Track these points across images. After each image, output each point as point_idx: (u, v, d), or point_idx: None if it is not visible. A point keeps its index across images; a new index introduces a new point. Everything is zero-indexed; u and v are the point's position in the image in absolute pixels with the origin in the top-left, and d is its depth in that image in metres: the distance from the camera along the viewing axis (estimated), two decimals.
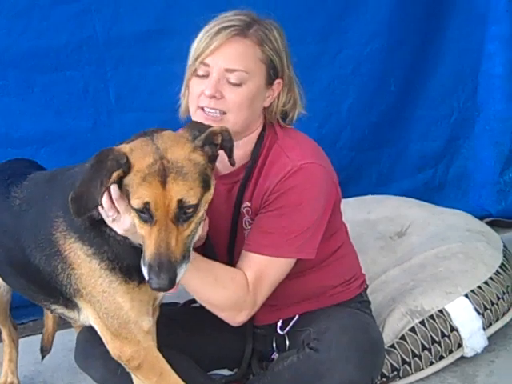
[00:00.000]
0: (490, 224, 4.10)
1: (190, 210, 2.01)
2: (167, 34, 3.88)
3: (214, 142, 2.11)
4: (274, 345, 2.71)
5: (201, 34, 2.42)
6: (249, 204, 2.50)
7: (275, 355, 2.71)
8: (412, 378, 2.94)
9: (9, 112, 3.74)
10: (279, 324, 2.67)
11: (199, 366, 2.67)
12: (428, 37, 4.40)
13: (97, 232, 2.22)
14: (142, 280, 2.18)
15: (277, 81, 2.47)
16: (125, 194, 2.05)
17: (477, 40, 4.44)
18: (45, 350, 3.22)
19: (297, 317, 2.64)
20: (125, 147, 2.05)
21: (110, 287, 2.22)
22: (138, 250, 2.14)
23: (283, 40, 2.48)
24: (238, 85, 2.36)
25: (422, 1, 4.32)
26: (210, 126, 2.14)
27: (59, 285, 2.31)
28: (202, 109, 2.39)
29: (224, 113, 2.38)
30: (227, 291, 2.39)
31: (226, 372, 2.85)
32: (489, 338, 3.07)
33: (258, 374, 2.68)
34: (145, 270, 2.01)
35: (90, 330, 2.59)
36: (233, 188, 2.53)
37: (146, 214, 2.00)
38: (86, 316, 2.35)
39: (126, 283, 2.23)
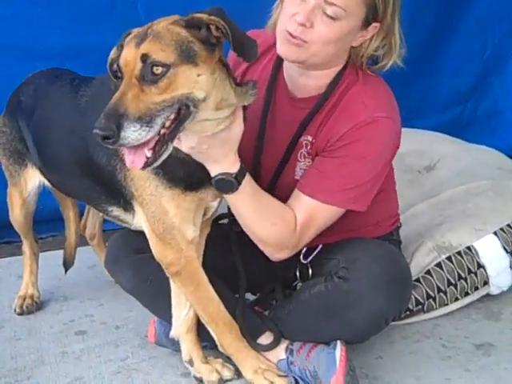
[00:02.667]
0: None
1: (158, 71, 1.92)
2: None
3: (207, 25, 2.00)
4: (298, 274, 2.68)
5: None
6: (310, 138, 2.43)
7: (298, 284, 2.69)
8: (436, 313, 2.93)
9: (35, 24, 3.63)
10: (303, 252, 2.62)
11: None
12: None
13: None
14: (187, 189, 2.21)
15: (373, 24, 2.31)
16: None
17: None
18: (68, 264, 3.24)
19: (320, 246, 2.60)
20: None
21: (157, 191, 2.25)
22: (181, 160, 2.17)
23: None
24: (332, 18, 2.21)
25: None
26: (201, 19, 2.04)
27: (119, 185, 2.34)
28: (289, 33, 2.26)
29: (306, 41, 2.24)
30: (275, 228, 2.37)
31: (248, 296, 2.82)
32: None
33: (281, 300, 2.66)
34: None
35: (122, 237, 2.65)
36: (299, 114, 2.44)
37: (119, 72, 1.98)
38: (139, 219, 2.38)
39: (170, 189, 2.24)
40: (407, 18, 4.13)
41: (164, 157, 2.00)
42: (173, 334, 2.57)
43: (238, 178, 2.24)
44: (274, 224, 2.36)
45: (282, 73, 2.49)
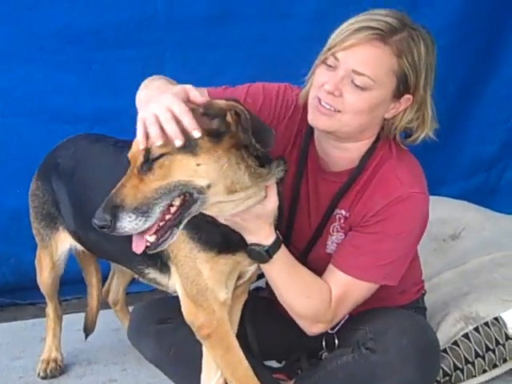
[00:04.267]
0: None
1: (154, 161, 1.95)
2: (229, 19, 3.85)
3: (224, 117, 2.00)
4: (324, 343, 2.64)
5: (343, 25, 2.29)
6: (344, 213, 2.44)
7: (324, 354, 2.65)
8: None
9: (66, 88, 3.73)
10: None
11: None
12: (491, 38, 4.30)
13: None
14: (221, 252, 2.23)
15: (406, 96, 2.32)
16: None
17: None
18: (88, 329, 3.22)
19: (347, 316, 2.56)
20: None
21: (191, 253, 2.26)
22: (220, 228, 2.20)
23: (429, 56, 2.30)
24: (362, 88, 2.24)
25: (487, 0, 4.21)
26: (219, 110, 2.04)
27: None
28: (319, 100, 2.29)
29: (338, 111, 2.29)
30: (310, 301, 2.37)
31: (274, 364, 2.81)
32: None
33: (307, 369, 2.63)
34: None
35: (144, 307, 2.66)
36: (331, 187, 2.46)
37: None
38: (174, 281, 2.39)
39: (204, 252, 2.25)
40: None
41: (169, 242, 2.02)
42: None
43: (270, 250, 2.25)
44: (309, 297, 2.36)
45: (313, 144, 2.50)
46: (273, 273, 2.34)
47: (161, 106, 1.95)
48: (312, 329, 2.43)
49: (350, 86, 2.25)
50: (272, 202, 2.21)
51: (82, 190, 2.65)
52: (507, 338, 2.92)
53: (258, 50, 3.90)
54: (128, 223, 1.92)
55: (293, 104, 2.50)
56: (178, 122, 1.93)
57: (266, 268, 2.33)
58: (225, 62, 3.89)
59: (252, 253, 2.26)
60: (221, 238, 2.24)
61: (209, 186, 1.99)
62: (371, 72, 2.23)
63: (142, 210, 1.93)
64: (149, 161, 1.95)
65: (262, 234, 2.24)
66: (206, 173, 1.98)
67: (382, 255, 2.35)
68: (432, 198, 4.01)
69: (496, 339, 2.91)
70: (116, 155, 2.54)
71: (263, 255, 2.26)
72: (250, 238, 2.25)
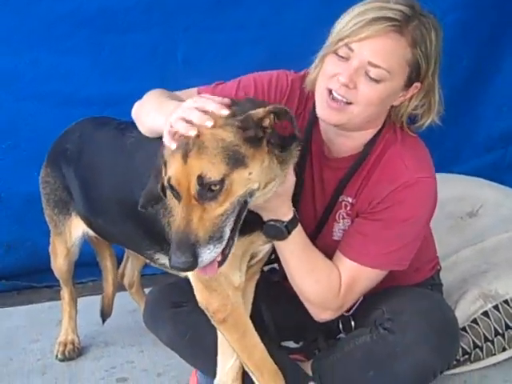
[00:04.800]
0: None
1: (216, 188, 1.91)
2: (237, 0, 3.81)
3: (261, 124, 2.00)
4: (341, 326, 2.63)
5: (353, 13, 2.23)
6: (350, 200, 2.41)
7: (341, 335, 2.65)
8: (483, 363, 2.87)
9: (77, 72, 3.73)
10: None
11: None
12: (506, 12, 4.22)
13: None
14: (239, 234, 2.15)
15: (415, 84, 2.29)
16: None
17: None
18: (105, 314, 3.23)
19: (361, 298, 2.53)
20: None
21: None
22: None
23: (438, 44, 2.27)
24: (376, 81, 2.20)
25: None
26: (259, 106, 2.04)
27: (162, 230, 2.33)
28: (330, 91, 2.24)
29: (349, 103, 2.23)
30: (319, 286, 2.35)
31: (291, 344, 2.81)
32: None
33: (324, 349, 2.62)
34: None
35: (159, 291, 2.65)
36: (336, 174, 2.43)
37: (174, 190, 1.95)
38: None
39: None
40: (444, 61, 4.20)
41: (233, 250, 2.01)
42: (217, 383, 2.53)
43: (289, 226, 2.24)
44: (318, 282, 2.35)
45: (317, 129, 2.45)
46: (287, 251, 2.32)
47: (180, 109, 2.01)
48: (321, 315, 2.43)
49: (364, 78, 2.21)
50: (290, 180, 2.20)
51: (89, 175, 2.65)
52: None
53: (267, 31, 3.86)
54: (207, 255, 1.92)
55: (288, 88, 2.46)
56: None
57: (281, 246, 2.31)
58: (235, 43, 3.86)
59: (271, 229, 2.24)
60: None
61: (258, 188, 2.01)
62: (387, 64, 2.19)
63: (216, 237, 1.93)
64: (205, 188, 1.91)
65: (281, 211, 2.22)
66: (258, 177, 2.00)
67: (390, 242, 2.33)
68: (447, 175, 4.04)
69: None
70: (118, 138, 2.54)
71: (283, 231, 2.23)
72: (269, 215, 2.23)
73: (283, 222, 2.22)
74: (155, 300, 2.63)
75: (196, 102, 2.02)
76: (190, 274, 2.34)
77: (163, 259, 2.49)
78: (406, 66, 2.23)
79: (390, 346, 2.32)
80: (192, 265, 1.89)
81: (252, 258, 2.38)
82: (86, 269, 3.55)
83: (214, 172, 1.90)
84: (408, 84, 2.28)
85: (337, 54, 2.24)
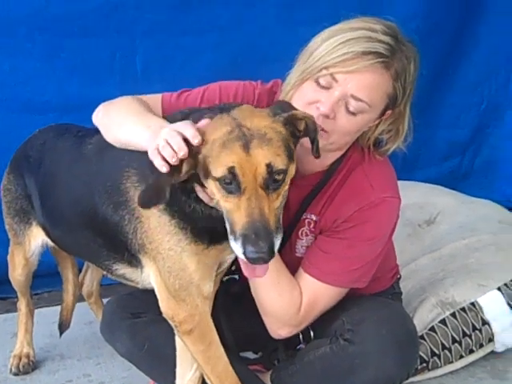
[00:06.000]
0: None
1: (280, 177, 1.91)
2: (199, 3, 3.77)
3: (297, 126, 2.02)
4: (300, 336, 2.60)
5: (338, 39, 2.19)
6: (314, 217, 2.41)
7: (301, 346, 2.62)
8: (440, 371, 2.88)
9: (34, 76, 3.64)
10: None
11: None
12: (463, 22, 4.31)
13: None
14: (211, 243, 2.15)
15: (387, 112, 2.30)
16: (203, 169, 1.96)
17: None
18: (64, 326, 3.15)
19: None
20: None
21: (178, 245, 2.16)
22: (209, 216, 2.11)
23: (415, 72, 2.28)
24: (353, 114, 2.20)
25: None
26: (294, 108, 2.05)
27: (125, 237, 2.26)
28: None
29: (326, 131, 2.22)
30: (281, 300, 2.34)
31: (250, 355, 2.81)
32: None
33: (284, 360, 2.60)
34: (237, 245, 1.89)
35: (117, 302, 2.61)
36: (300, 191, 2.41)
37: (231, 183, 1.90)
38: (148, 275, 2.30)
39: (195, 244, 2.16)
40: None
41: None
42: None
43: None
44: (281, 295, 2.33)
45: None
46: None
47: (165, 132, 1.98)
48: (278, 331, 2.42)
49: (343, 109, 2.20)
50: None
51: (47, 183, 2.59)
52: (483, 322, 2.92)
53: (230, 35, 3.83)
54: (277, 245, 1.90)
55: (254, 103, 2.43)
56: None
57: None
58: (197, 48, 3.82)
59: None
60: (210, 227, 2.15)
61: None
62: (369, 98, 2.19)
63: (280, 227, 1.92)
64: (271, 177, 1.90)
65: None
66: (293, 175, 2.02)
67: (353, 260, 2.33)
68: (406, 182, 4.07)
69: (473, 324, 2.90)
70: (77, 145, 2.48)
71: None
72: None
73: None
74: (112, 310, 2.59)
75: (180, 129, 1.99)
76: (154, 282, 2.28)
77: (122, 269, 2.42)
78: (385, 99, 2.24)
79: (350, 357, 2.32)
80: (272, 255, 1.85)
81: (219, 267, 2.34)
82: (42, 279, 3.44)
83: (280, 162, 1.90)
84: (383, 113, 2.29)
85: (317, 82, 2.22)
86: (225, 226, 2.10)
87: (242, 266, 2.01)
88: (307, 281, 2.34)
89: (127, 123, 2.23)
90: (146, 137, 2.09)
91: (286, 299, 2.33)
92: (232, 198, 1.92)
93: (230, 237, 1.93)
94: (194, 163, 1.98)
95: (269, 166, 1.89)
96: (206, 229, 2.15)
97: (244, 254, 1.87)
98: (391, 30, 2.23)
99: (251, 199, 1.88)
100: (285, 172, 1.92)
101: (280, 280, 2.33)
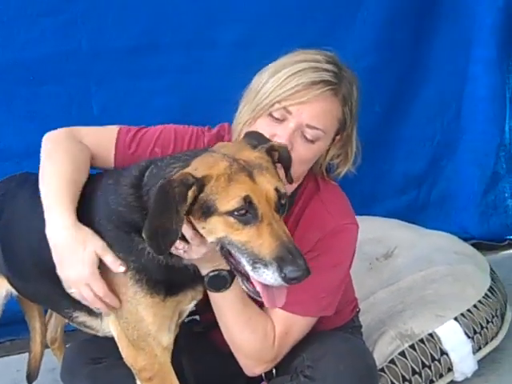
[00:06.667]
0: (473, 246, 4.07)
1: (284, 201, 1.97)
2: (153, 48, 3.84)
3: (273, 156, 2.08)
4: (263, 375, 2.56)
5: (285, 73, 2.27)
6: None
7: (263, 383, 2.61)
8: None
9: None
10: None
11: None
12: (413, 58, 4.42)
13: (127, 241, 2.15)
14: (167, 295, 2.14)
15: (337, 137, 2.38)
16: (202, 211, 1.96)
17: (461, 63, 4.48)
18: (32, 376, 3.06)
19: None
20: (184, 172, 1.97)
21: (134, 298, 2.15)
22: (167, 266, 2.12)
23: (358, 95, 2.38)
24: (312, 141, 2.27)
25: (408, 23, 4.33)
26: (267, 140, 2.12)
27: None
28: None
29: None
30: (255, 337, 2.32)
31: None
32: (478, 362, 3.05)
33: None
34: (270, 271, 1.88)
35: (77, 347, 2.59)
36: None
37: (245, 213, 1.91)
38: (107, 324, 2.28)
39: (151, 296, 2.15)
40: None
41: None
42: None
43: (231, 273, 2.18)
44: (255, 332, 2.32)
45: None
46: (227, 301, 2.27)
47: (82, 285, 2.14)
48: (254, 369, 2.39)
49: (300, 138, 2.27)
50: None
51: (7, 233, 2.54)
52: (442, 353, 2.97)
53: (183, 78, 3.90)
54: None
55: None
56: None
57: (219, 298, 2.27)
58: (152, 91, 3.88)
59: (213, 279, 2.18)
60: (165, 277, 2.15)
61: None
62: (323, 125, 2.26)
63: None
64: (279, 202, 1.95)
65: (219, 259, 2.12)
66: None
67: (319, 289, 2.34)
68: (364, 217, 4.09)
69: (431, 355, 2.95)
70: (33, 193, 2.43)
71: (226, 278, 2.18)
72: (208, 266, 2.18)
73: (225, 269, 2.17)
74: (73, 356, 2.57)
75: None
76: (113, 331, 2.26)
77: (82, 317, 2.39)
78: (336, 124, 2.32)
79: None
80: (309, 271, 1.88)
81: (179, 317, 2.32)
82: (3, 328, 3.42)
83: (282, 186, 1.97)
84: (333, 138, 2.37)
85: (271, 116, 2.28)
86: (183, 277, 2.16)
87: (264, 297, 1.99)
88: (276, 313, 2.33)
89: (52, 195, 2.26)
90: (60, 238, 2.19)
91: (259, 335, 2.32)
92: (248, 228, 1.92)
93: (254, 268, 1.92)
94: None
95: (277, 190, 1.94)
96: (163, 280, 2.15)
97: (283, 276, 1.87)
98: (332, 59, 2.34)
99: (272, 223, 1.91)
100: (286, 196, 1.98)
101: (251, 316, 2.32)
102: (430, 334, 2.98)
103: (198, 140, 2.49)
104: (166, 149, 2.44)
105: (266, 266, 1.89)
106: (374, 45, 4.26)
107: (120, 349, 2.26)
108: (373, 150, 4.45)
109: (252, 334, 2.33)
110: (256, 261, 1.91)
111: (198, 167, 1.98)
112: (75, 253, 2.14)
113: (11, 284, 2.67)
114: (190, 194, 1.91)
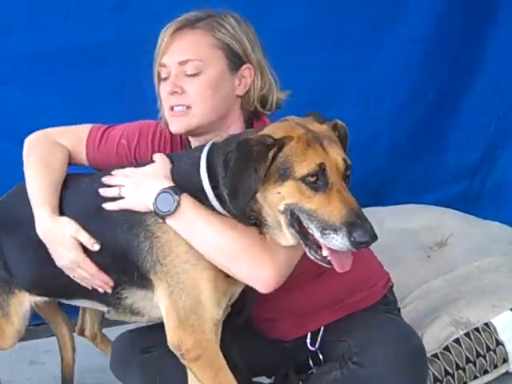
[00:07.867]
0: None
1: (349, 173, 2.04)
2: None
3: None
4: (311, 362, 2.58)
5: (161, 38, 2.40)
6: None
7: (313, 370, 2.58)
8: None
9: (46, 109, 3.70)
10: (308, 340, 2.55)
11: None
12: (468, 45, 4.34)
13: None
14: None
15: (244, 66, 2.38)
16: (279, 173, 1.99)
17: None
18: (68, 382, 2.97)
19: (322, 328, 2.52)
20: (261, 134, 2.04)
21: (194, 257, 2.14)
22: None
23: (242, 26, 2.40)
24: (196, 75, 2.32)
25: (463, 9, 4.26)
26: (325, 118, 2.16)
27: (136, 256, 2.21)
28: (172, 108, 2.35)
29: (189, 107, 2.33)
30: (243, 239, 2.14)
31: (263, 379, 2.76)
32: None
33: None
34: (339, 236, 1.91)
35: (126, 337, 2.57)
36: None
37: (317, 181, 1.96)
38: (158, 298, 2.23)
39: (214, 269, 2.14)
40: (411, 93, 4.29)
41: None
42: None
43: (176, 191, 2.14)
44: (241, 237, 2.15)
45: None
46: (199, 223, 2.13)
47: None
48: (261, 273, 2.13)
49: (185, 78, 2.33)
50: None
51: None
52: (498, 343, 2.91)
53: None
54: None
55: (169, 136, 2.53)
56: None
57: (195, 223, 2.13)
58: None
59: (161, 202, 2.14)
60: None
61: None
62: (194, 54, 2.32)
63: None
64: (346, 173, 2.03)
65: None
66: None
67: None
68: (418, 206, 4.10)
69: (487, 345, 2.90)
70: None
71: (171, 194, 2.13)
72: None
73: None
74: (122, 347, 2.54)
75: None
76: (162, 306, 2.21)
77: (132, 297, 2.34)
78: (217, 50, 2.35)
79: (363, 380, 2.29)
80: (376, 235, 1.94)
81: (229, 299, 2.30)
82: None
83: (348, 158, 2.04)
84: (234, 68, 2.37)
85: (163, 79, 2.38)
86: None
87: (333, 262, 2.00)
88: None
89: (33, 197, 2.37)
90: (45, 232, 2.32)
91: (245, 235, 2.14)
92: (318, 195, 1.96)
93: (324, 234, 1.94)
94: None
95: (345, 161, 2.01)
96: None
97: (353, 241, 1.91)
98: (202, 11, 2.42)
99: (341, 191, 1.97)
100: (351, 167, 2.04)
101: (231, 223, 2.15)
102: (486, 324, 2.93)
103: (163, 129, 2.52)
104: (131, 140, 2.51)
105: (335, 231, 1.92)
106: (427, 31, 4.21)
107: (167, 332, 2.21)
108: (426, 138, 4.44)
109: (239, 239, 2.15)
110: (326, 227, 1.94)
111: (275, 131, 2.04)
112: (58, 242, 2.29)
113: (35, 291, 2.56)
114: (271, 154, 1.97)
